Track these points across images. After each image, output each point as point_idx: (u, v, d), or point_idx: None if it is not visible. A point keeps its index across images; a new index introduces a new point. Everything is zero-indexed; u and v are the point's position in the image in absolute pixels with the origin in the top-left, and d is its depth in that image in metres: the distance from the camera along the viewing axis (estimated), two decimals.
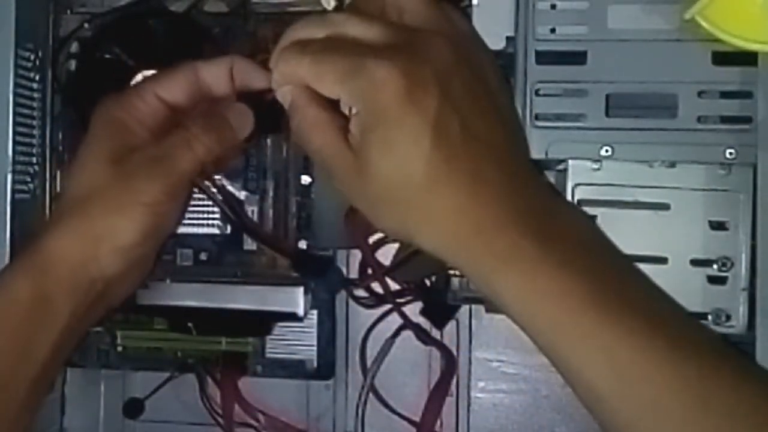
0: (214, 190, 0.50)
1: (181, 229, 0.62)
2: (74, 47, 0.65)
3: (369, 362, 0.62)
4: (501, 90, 0.43)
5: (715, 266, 0.53)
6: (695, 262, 0.53)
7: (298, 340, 0.65)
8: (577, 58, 0.53)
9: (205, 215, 0.63)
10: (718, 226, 0.53)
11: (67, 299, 0.44)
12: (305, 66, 0.41)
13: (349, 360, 0.68)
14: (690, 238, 0.53)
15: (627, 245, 0.51)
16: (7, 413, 0.44)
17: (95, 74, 0.64)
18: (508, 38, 0.55)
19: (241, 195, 0.63)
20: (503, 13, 0.55)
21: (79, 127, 0.63)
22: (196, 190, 0.52)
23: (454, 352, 0.65)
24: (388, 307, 0.63)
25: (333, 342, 0.66)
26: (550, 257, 0.38)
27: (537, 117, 0.53)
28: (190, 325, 0.64)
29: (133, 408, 0.70)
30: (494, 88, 0.42)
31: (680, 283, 0.53)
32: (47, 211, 0.64)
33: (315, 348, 0.65)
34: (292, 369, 0.66)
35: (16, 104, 0.61)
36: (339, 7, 0.61)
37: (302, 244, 0.63)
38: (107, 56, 0.63)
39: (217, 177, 0.58)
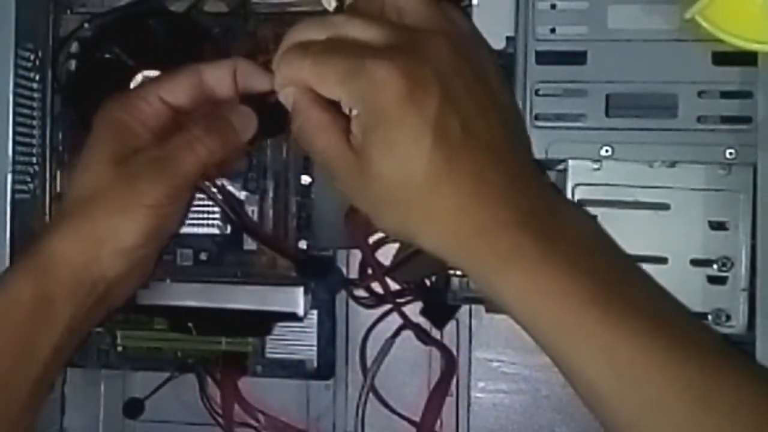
0: (214, 190, 0.50)
1: (181, 229, 0.62)
2: (74, 47, 0.65)
3: (369, 362, 0.62)
4: (502, 89, 0.42)
5: (715, 266, 0.53)
6: (695, 262, 0.53)
7: (298, 340, 0.65)
8: (577, 58, 0.53)
9: (205, 215, 0.63)
10: (718, 226, 0.53)
11: (68, 300, 0.44)
12: (306, 68, 0.41)
13: (349, 360, 0.68)
14: (690, 238, 0.53)
15: (627, 245, 0.51)
16: (9, 414, 0.44)
17: (95, 74, 0.64)
18: (508, 38, 0.55)
19: (241, 195, 0.63)
20: (503, 13, 0.55)
21: (79, 127, 0.63)
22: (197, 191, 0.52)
23: (454, 352, 0.65)
24: (388, 307, 0.63)
25: (333, 342, 0.66)
26: (552, 257, 0.38)
27: (537, 117, 0.53)
28: (190, 325, 0.64)
29: (133, 408, 0.70)
30: (495, 87, 0.42)
31: (680, 283, 0.53)
32: (47, 211, 0.64)
33: (315, 348, 0.65)
34: (292, 369, 0.66)
35: (16, 104, 0.61)
36: (340, 8, 0.61)
37: (302, 244, 0.63)
38: (107, 56, 0.63)
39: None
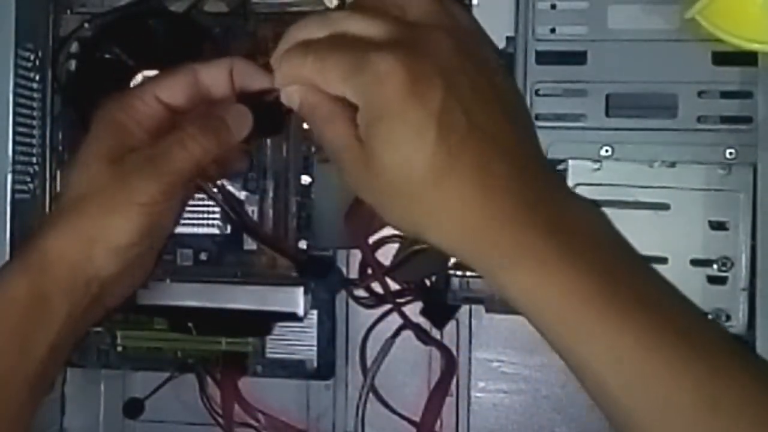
0: (215, 190, 0.50)
1: (181, 229, 0.62)
2: (74, 47, 0.65)
3: (369, 362, 0.62)
4: (506, 83, 0.42)
5: (715, 266, 0.53)
6: (695, 262, 0.53)
7: (298, 340, 0.65)
8: (577, 58, 0.53)
9: (205, 215, 0.63)
10: (718, 226, 0.53)
11: (64, 299, 0.44)
12: (308, 66, 0.41)
13: (349, 360, 0.68)
14: (690, 238, 0.54)
15: None
16: (7, 413, 0.44)
17: (95, 74, 0.64)
18: (508, 38, 0.55)
19: (241, 195, 0.63)
20: (503, 13, 0.55)
21: (79, 127, 0.63)
22: (197, 191, 0.52)
23: (454, 352, 0.65)
24: (388, 307, 0.63)
25: (333, 342, 0.66)
26: (559, 251, 0.38)
27: (537, 117, 0.53)
28: (190, 325, 0.64)
29: (133, 408, 0.70)
30: (499, 80, 0.42)
31: (680, 283, 0.53)
32: (47, 211, 0.64)
33: (315, 348, 0.65)
34: (292, 369, 0.66)
35: (16, 104, 0.61)
36: (341, 6, 0.61)
37: (302, 244, 0.63)
38: (107, 56, 0.63)
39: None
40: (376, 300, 0.64)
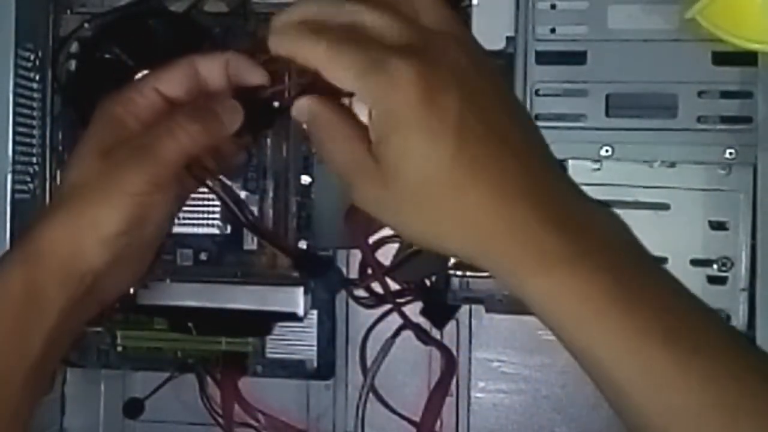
0: (218, 189, 0.50)
1: (181, 229, 0.62)
2: (74, 47, 0.65)
3: (369, 362, 0.62)
4: (509, 89, 0.43)
5: (715, 266, 0.53)
6: (695, 262, 0.53)
7: (298, 340, 0.65)
8: (577, 58, 0.53)
9: (205, 215, 0.63)
10: (718, 226, 0.53)
11: (58, 291, 0.44)
12: (320, 52, 0.40)
13: (349, 360, 0.68)
14: (690, 238, 0.54)
15: None
16: (4, 410, 0.44)
17: (95, 74, 0.64)
18: (508, 38, 0.55)
19: (241, 195, 0.63)
20: (503, 13, 0.55)
21: (79, 127, 0.63)
22: (196, 190, 0.52)
23: (454, 352, 0.65)
24: (388, 307, 0.63)
25: (333, 342, 0.66)
26: (578, 255, 0.38)
27: (537, 117, 0.53)
28: (190, 325, 0.64)
29: (133, 408, 0.70)
30: (506, 88, 0.42)
31: None
32: None
33: (315, 348, 0.65)
34: (292, 369, 0.66)
35: (16, 104, 0.61)
36: None
37: (302, 244, 0.63)
38: (107, 56, 0.63)
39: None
40: (376, 300, 0.64)
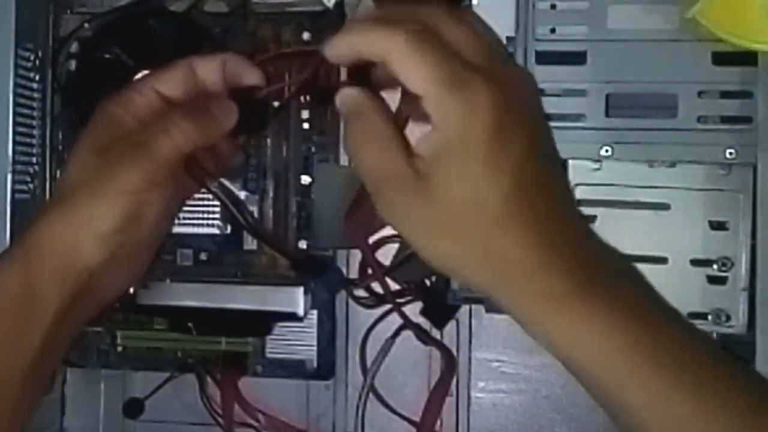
0: (218, 191, 0.50)
1: (181, 229, 0.62)
2: (74, 47, 0.65)
3: (369, 362, 0.62)
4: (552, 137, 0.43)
5: (715, 266, 0.53)
6: (695, 262, 0.53)
7: (298, 340, 0.65)
8: (577, 58, 0.53)
9: (205, 215, 0.63)
10: (718, 226, 0.53)
11: (55, 289, 0.44)
12: (398, 42, 0.37)
13: (349, 360, 0.68)
14: (690, 238, 0.54)
15: (627, 245, 0.51)
16: (5, 408, 0.44)
17: (95, 74, 0.64)
18: (508, 38, 0.55)
19: (241, 195, 0.63)
20: (503, 13, 0.55)
21: (79, 127, 0.63)
22: (196, 192, 0.52)
23: (454, 352, 0.65)
24: (388, 307, 0.63)
25: (333, 342, 0.66)
26: (603, 300, 0.38)
27: None
28: (190, 325, 0.64)
29: (133, 408, 0.70)
30: (552, 135, 0.41)
31: (680, 283, 0.53)
32: None
33: (315, 348, 0.65)
34: (292, 369, 0.66)
35: (16, 104, 0.61)
36: (340, 4, 0.61)
37: (302, 244, 0.63)
38: (107, 56, 0.63)
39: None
40: (376, 300, 0.64)
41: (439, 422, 0.65)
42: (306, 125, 0.63)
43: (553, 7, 0.54)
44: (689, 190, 0.54)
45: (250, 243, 0.64)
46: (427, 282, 0.63)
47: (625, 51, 0.53)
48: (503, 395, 0.67)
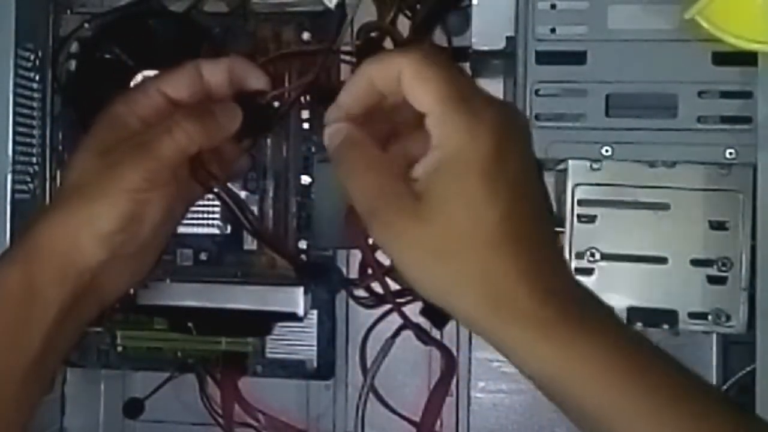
0: (223, 194, 0.50)
1: (181, 229, 0.62)
2: (74, 47, 0.65)
3: (369, 362, 0.62)
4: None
5: (715, 266, 0.53)
6: (695, 262, 0.53)
7: (298, 340, 0.65)
8: (577, 58, 0.53)
9: (205, 215, 0.63)
10: (718, 226, 0.53)
11: (56, 288, 0.44)
12: (411, 59, 0.38)
13: (349, 360, 0.68)
14: (690, 238, 0.54)
15: (627, 245, 0.51)
16: (5, 407, 0.44)
17: (95, 74, 0.64)
18: (508, 38, 0.55)
19: (241, 195, 0.63)
20: (503, 13, 0.55)
21: (79, 127, 0.63)
22: (203, 197, 0.52)
23: (454, 352, 0.65)
24: (388, 307, 0.63)
25: (333, 342, 0.66)
26: (587, 329, 0.38)
27: (537, 117, 0.53)
28: (190, 325, 0.64)
29: (133, 408, 0.70)
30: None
31: (680, 283, 0.53)
32: None
33: (315, 348, 0.65)
34: (292, 369, 0.66)
35: (16, 104, 0.61)
36: (341, 4, 0.61)
37: (302, 244, 0.63)
38: (107, 56, 0.63)
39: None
40: (376, 300, 0.64)
41: (439, 422, 0.65)
42: (306, 125, 0.63)
43: (553, 7, 0.54)
44: (689, 190, 0.54)
45: (250, 243, 0.64)
46: None
47: (625, 51, 0.53)
48: (503, 395, 0.67)
